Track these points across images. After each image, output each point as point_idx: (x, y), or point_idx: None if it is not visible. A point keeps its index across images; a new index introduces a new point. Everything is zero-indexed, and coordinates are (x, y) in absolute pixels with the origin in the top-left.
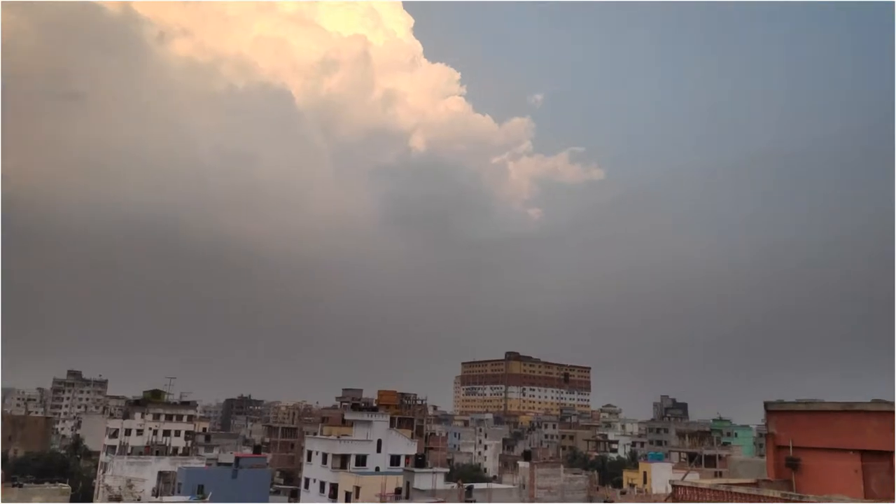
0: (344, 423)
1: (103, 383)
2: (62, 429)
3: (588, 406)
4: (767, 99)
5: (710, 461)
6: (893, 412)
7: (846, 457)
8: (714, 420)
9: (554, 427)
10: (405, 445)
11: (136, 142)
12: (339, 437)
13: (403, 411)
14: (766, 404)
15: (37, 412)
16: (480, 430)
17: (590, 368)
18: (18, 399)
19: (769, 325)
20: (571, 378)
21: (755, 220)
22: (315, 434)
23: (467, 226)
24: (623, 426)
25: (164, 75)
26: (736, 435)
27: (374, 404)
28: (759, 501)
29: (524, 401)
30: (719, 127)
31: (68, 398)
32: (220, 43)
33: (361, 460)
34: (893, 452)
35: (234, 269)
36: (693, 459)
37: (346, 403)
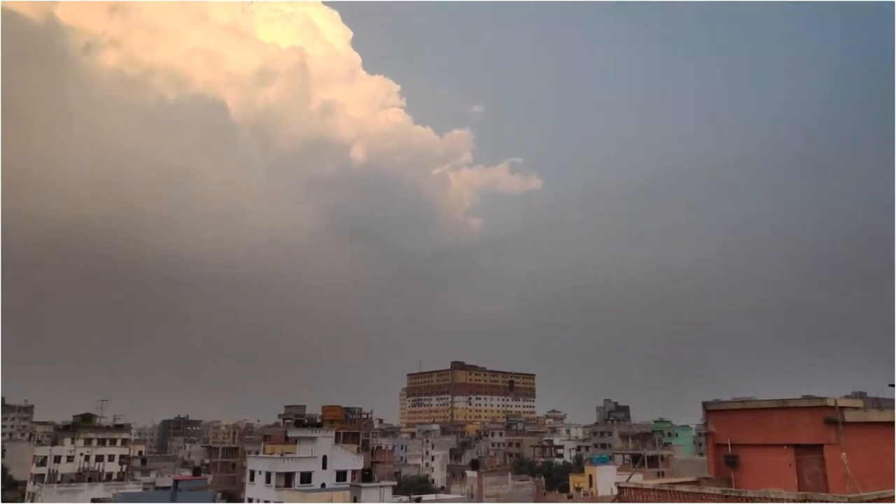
0: (287, 440)
1: (29, 409)
2: None
3: (533, 413)
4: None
5: (653, 462)
6: (822, 407)
7: (780, 451)
8: (655, 421)
9: (500, 435)
10: (351, 460)
11: (59, 154)
12: (282, 454)
13: (349, 426)
14: (704, 404)
15: None
16: (427, 442)
17: (534, 375)
18: None
19: (708, 325)
20: (516, 385)
21: (698, 222)
22: (257, 453)
23: (409, 237)
24: (568, 431)
25: (91, 87)
26: (676, 435)
27: (319, 420)
28: (701, 500)
29: (470, 410)
30: (660, 131)
31: None
32: (151, 54)
33: (307, 478)
34: (823, 446)
35: (166, 286)
36: (637, 461)
37: (289, 421)
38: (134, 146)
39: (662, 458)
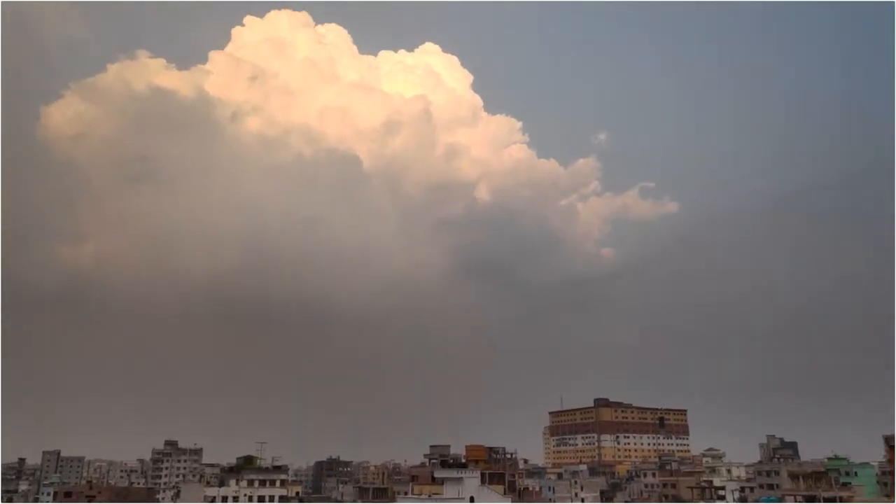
0: (434, 480)
1: (198, 451)
2: (163, 498)
3: (688, 451)
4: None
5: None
6: None
7: None
8: (829, 459)
9: (654, 475)
10: (498, 501)
11: (209, 213)
12: (430, 495)
13: (493, 466)
14: (886, 439)
15: (139, 483)
16: (576, 483)
17: (686, 411)
18: (122, 471)
19: (874, 349)
20: (667, 422)
21: (851, 236)
22: (406, 494)
23: (539, 271)
24: (728, 470)
25: (236, 150)
26: (856, 474)
27: (463, 460)
28: None
29: (619, 449)
30: (790, 151)
31: (167, 468)
32: (288, 116)
33: None
34: None
35: (304, 332)
36: (812, 503)
37: (434, 460)
38: (275, 201)
39: (842, 499)
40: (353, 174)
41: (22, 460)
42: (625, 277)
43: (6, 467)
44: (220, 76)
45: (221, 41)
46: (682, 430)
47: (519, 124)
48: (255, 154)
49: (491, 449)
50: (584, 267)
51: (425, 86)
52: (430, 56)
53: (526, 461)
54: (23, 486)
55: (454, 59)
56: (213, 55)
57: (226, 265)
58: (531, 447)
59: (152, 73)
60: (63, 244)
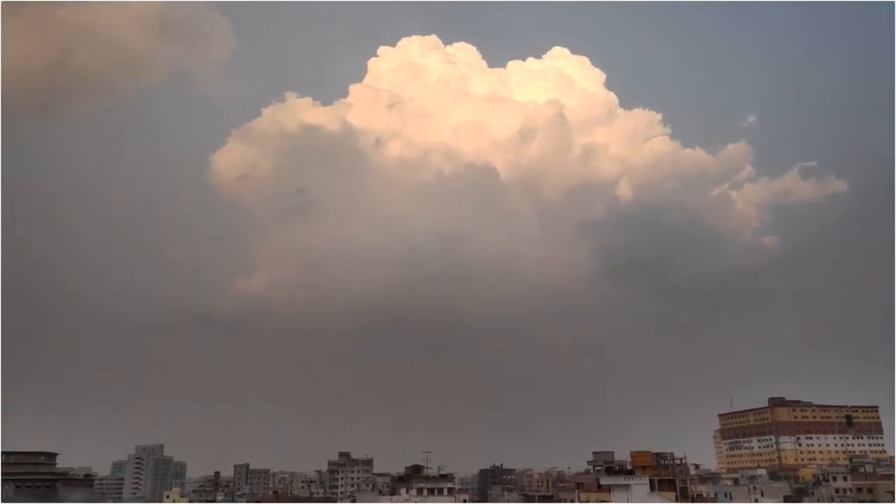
0: (600, 488)
1: (369, 462)
2: None
3: (883, 451)
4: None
5: None
6: None
7: None
8: None
9: (845, 479)
10: None
11: (361, 237)
12: (597, 503)
13: (662, 472)
14: None
15: (318, 493)
16: (755, 489)
17: (877, 408)
18: (302, 481)
19: None
20: (856, 420)
21: None
22: (572, 501)
23: (692, 267)
24: None
25: (380, 175)
26: None
27: (629, 466)
28: None
29: (801, 451)
30: None
31: (342, 478)
32: (426, 137)
33: None
34: None
35: (458, 343)
36: None
37: (598, 467)
38: (421, 219)
39: None
40: (491, 185)
41: (217, 473)
42: (791, 266)
43: (204, 480)
44: (361, 107)
45: (359, 74)
46: (875, 429)
47: (658, 116)
48: (398, 176)
49: (658, 454)
50: (743, 259)
51: (557, 90)
52: (560, 60)
53: (697, 466)
54: (220, 497)
55: (584, 60)
56: (353, 88)
57: (381, 283)
58: (700, 452)
59: (300, 111)
60: (237, 275)
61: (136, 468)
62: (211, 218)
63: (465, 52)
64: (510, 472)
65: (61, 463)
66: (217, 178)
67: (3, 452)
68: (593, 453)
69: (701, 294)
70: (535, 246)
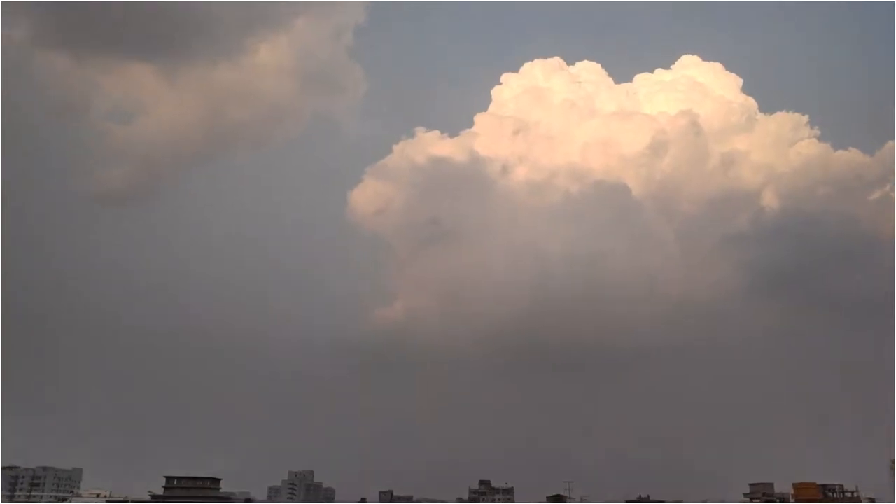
0: None
1: (510, 491)
2: None
3: None
4: None
5: None
6: None
7: None
8: None
9: None
10: None
11: (495, 263)
12: None
13: None
14: None
15: None
16: None
17: None
18: None
19: None
20: None
21: None
22: None
23: (850, 278)
24: None
25: (508, 200)
26: None
27: (792, 500)
28: None
29: None
30: None
31: None
32: (552, 159)
33: None
34: None
35: (597, 367)
36: None
37: (755, 499)
38: (552, 242)
39: None
40: (623, 203)
41: (363, 499)
42: None
43: None
44: (487, 136)
45: (484, 103)
46: None
47: (805, 118)
48: (525, 200)
49: (824, 486)
50: None
51: (690, 100)
52: (690, 68)
53: (872, 500)
54: None
55: (717, 66)
56: (478, 118)
57: (517, 307)
58: (875, 483)
59: (429, 145)
60: (378, 305)
61: (290, 493)
62: (351, 252)
63: (589, 71)
64: (660, 502)
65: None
66: (355, 214)
67: (168, 477)
68: (749, 485)
69: (865, 308)
70: (675, 263)
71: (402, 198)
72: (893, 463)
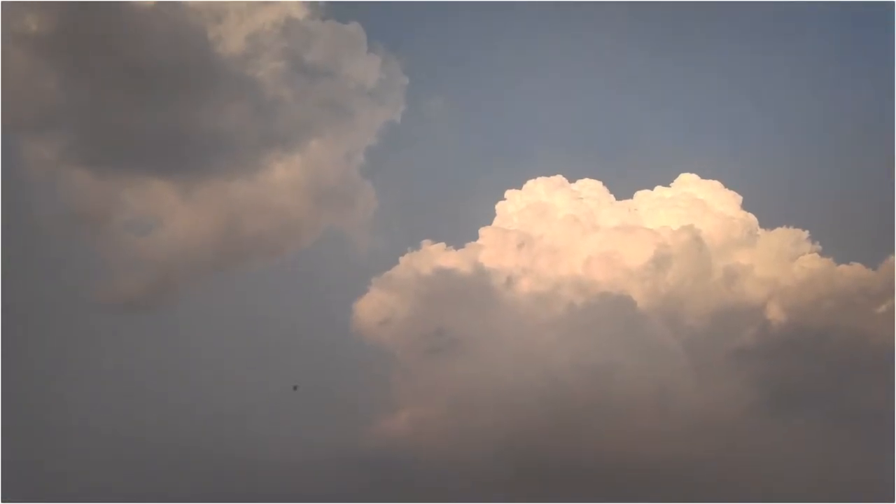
0: None
1: None
2: None
3: None
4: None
5: None
6: None
7: None
8: None
9: None
10: None
11: (501, 374)
12: None
13: None
14: None
15: None
16: None
17: None
18: None
19: None
20: None
21: None
22: None
23: (865, 393)
24: None
25: (512, 312)
26: None
27: None
28: None
29: None
30: None
31: None
32: (556, 271)
33: None
34: None
35: (609, 483)
36: None
37: None
38: (554, 352)
39: None
40: (629, 315)
41: None
42: None
43: None
44: (492, 248)
45: (489, 217)
46: None
47: (805, 233)
48: (530, 311)
49: None
50: None
51: (691, 216)
52: (690, 186)
53: None
54: None
55: (716, 184)
56: (483, 231)
57: (525, 420)
58: None
59: (435, 257)
60: (381, 414)
61: None
62: (354, 361)
63: (590, 188)
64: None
65: None
66: (360, 324)
67: None
68: None
69: (878, 422)
70: (685, 376)
71: (407, 308)
72: None
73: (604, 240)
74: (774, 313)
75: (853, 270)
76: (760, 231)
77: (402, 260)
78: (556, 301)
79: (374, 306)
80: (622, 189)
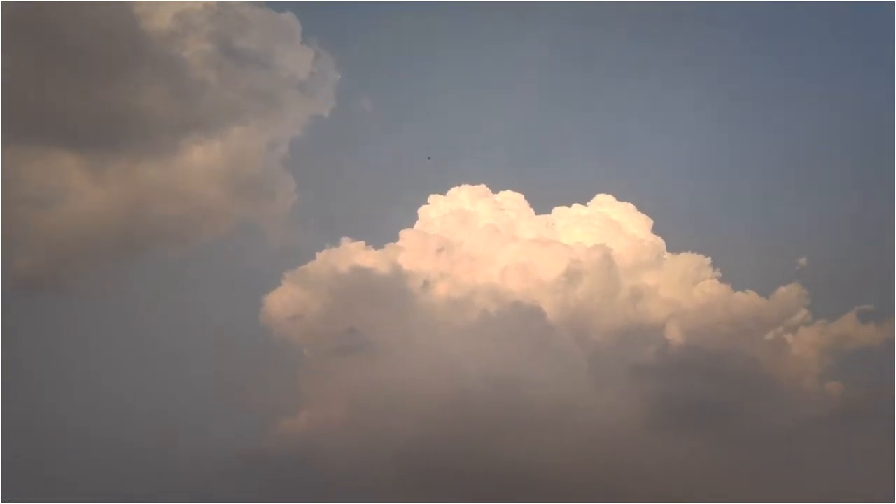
0: None
1: None
2: None
3: None
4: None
5: None
6: None
7: None
8: None
9: None
10: None
11: (404, 377)
12: None
13: None
14: None
15: None
16: None
17: None
18: None
19: None
20: None
21: None
22: None
23: (754, 415)
24: None
25: (427, 316)
26: None
27: None
28: None
29: None
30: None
31: None
32: (473, 279)
33: None
34: None
35: (512, 494)
36: None
37: None
38: (465, 360)
39: None
40: (539, 326)
41: None
42: (860, 415)
43: None
44: (411, 251)
45: (411, 220)
46: None
47: (708, 260)
48: (445, 316)
49: None
50: (806, 407)
51: (604, 235)
52: (605, 206)
53: None
54: None
55: (630, 206)
56: (404, 233)
57: (427, 428)
58: None
59: (353, 255)
60: (282, 413)
61: None
62: (260, 357)
63: (512, 200)
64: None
65: None
66: (268, 318)
67: None
68: None
69: (765, 444)
70: (588, 390)
71: (319, 305)
72: None
73: (521, 251)
74: (674, 334)
75: (748, 298)
76: (667, 255)
77: (319, 256)
78: (471, 308)
79: (285, 301)
80: (542, 203)
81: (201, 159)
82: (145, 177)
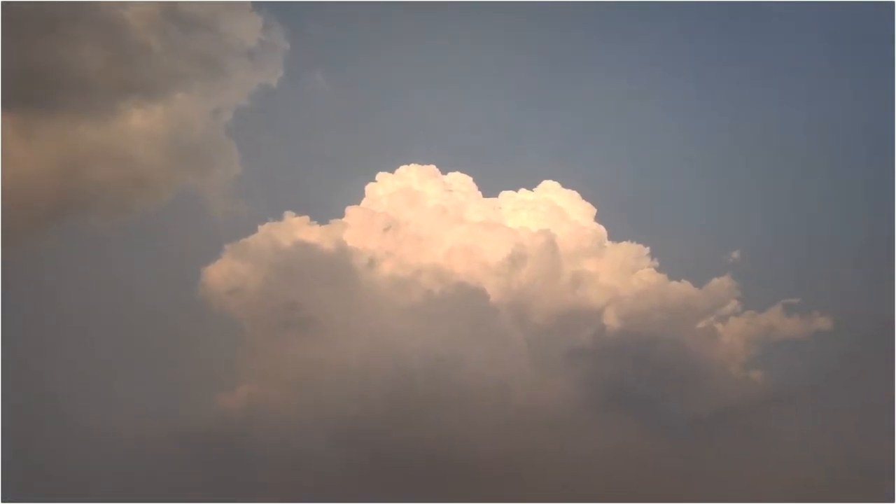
0: None
1: None
2: None
3: None
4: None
5: None
6: None
7: None
8: None
9: None
10: None
11: (345, 354)
12: None
13: None
14: None
15: None
16: None
17: None
18: None
19: None
20: None
21: None
22: None
23: (680, 400)
24: None
25: (371, 294)
26: None
27: None
28: None
29: None
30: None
31: None
32: (418, 258)
33: None
34: None
35: (448, 471)
36: None
37: None
38: (407, 339)
39: None
40: (481, 307)
41: None
42: (779, 403)
43: None
44: (357, 228)
45: (357, 197)
46: None
47: (647, 249)
48: (389, 295)
49: None
50: (730, 394)
51: (549, 220)
52: (551, 193)
53: None
54: None
55: (575, 194)
56: (350, 210)
57: (371, 404)
58: None
59: (296, 229)
60: (220, 389)
61: None
62: (197, 331)
63: (461, 182)
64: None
65: None
66: (207, 291)
67: None
68: None
69: (689, 428)
70: (527, 371)
71: (260, 279)
72: None
73: (467, 233)
74: (611, 319)
75: (682, 287)
76: (608, 243)
77: (262, 229)
78: (415, 287)
79: (224, 274)
80: (489, 187)
81: (141, 123)
82: (81, 139)
